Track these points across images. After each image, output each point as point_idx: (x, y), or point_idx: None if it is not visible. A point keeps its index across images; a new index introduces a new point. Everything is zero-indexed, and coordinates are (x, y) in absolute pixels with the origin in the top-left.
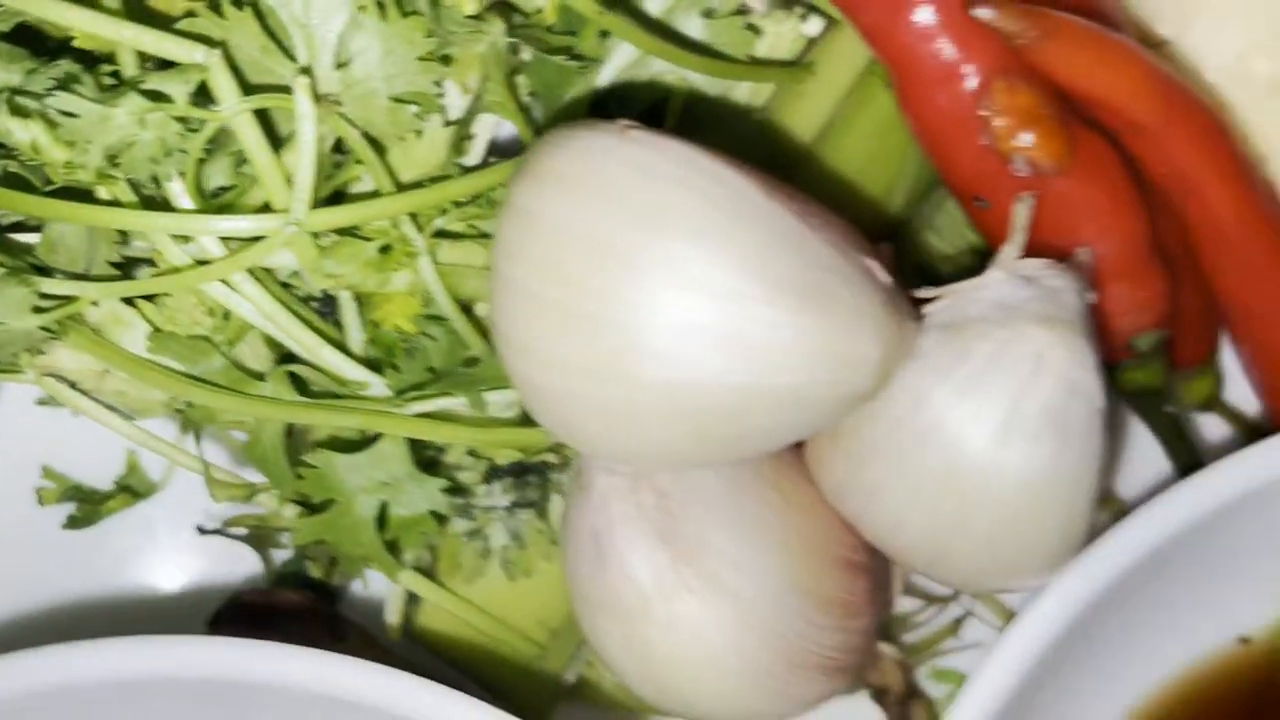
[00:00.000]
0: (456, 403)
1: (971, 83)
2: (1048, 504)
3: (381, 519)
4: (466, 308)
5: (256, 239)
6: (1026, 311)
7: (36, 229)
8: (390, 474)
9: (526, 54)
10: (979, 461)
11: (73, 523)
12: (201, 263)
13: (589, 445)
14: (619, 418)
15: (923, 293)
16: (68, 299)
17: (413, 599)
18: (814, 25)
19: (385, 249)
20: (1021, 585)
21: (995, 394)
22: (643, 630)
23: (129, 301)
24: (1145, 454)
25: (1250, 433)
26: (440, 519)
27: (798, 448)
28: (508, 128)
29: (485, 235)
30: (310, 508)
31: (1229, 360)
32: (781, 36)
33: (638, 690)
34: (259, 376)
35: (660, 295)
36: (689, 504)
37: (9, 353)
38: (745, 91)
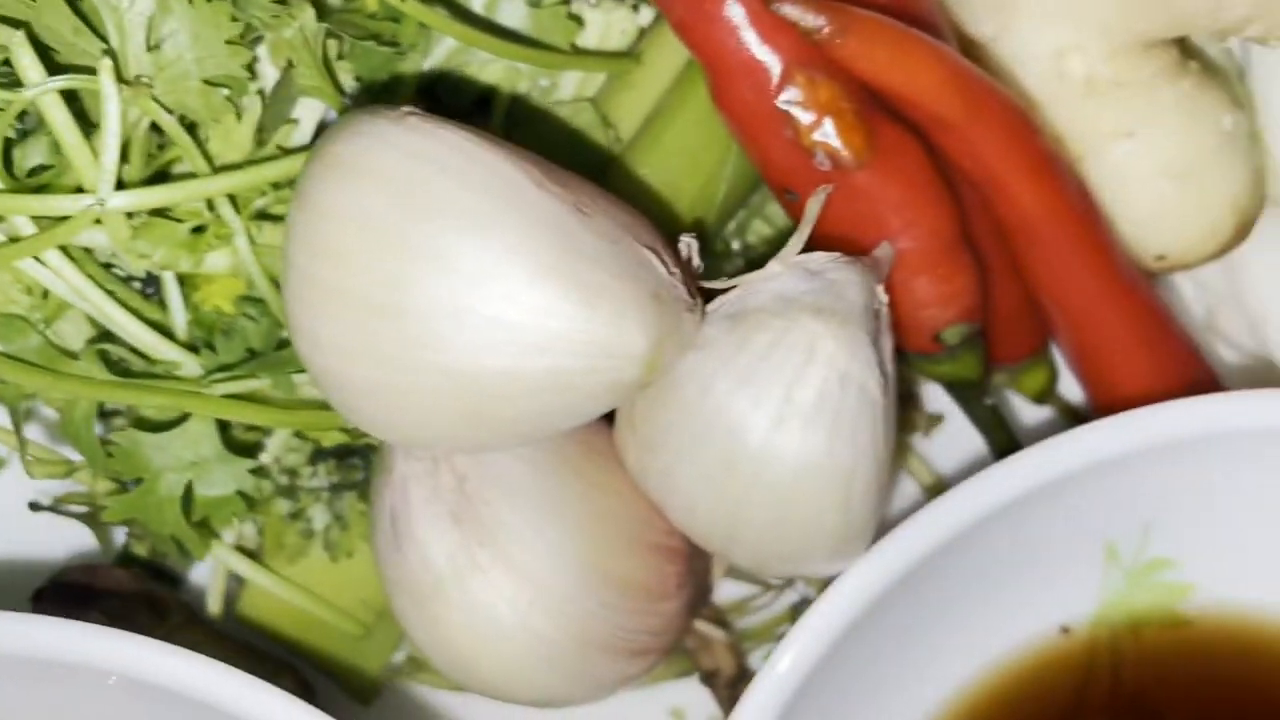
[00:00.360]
0: (267, 383)
1: (776, 77)
2: (824, 490)
3: (190, 498)
4: None
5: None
6: (804, 303)
7: None
8: (198, 454)
9: None
10: (757, 448)
11: None
12: (14, 240)
13: (379, 430)
14: (404, 403)
15: (714, 284)
16: None
17: (242, 580)
18: (645, 15)
19: (198, 230)
20: (815, 570)
21: (771, 382)
22: (439, 611)
23: None
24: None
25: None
26: (249, 500)
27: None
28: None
29: None
30: (123, 486)
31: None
32: (612, 26)
33: (442, 670)
34: (76, 355)
35: (436, 283)
36: (487, 487)
37: None
38: (574, 82)
